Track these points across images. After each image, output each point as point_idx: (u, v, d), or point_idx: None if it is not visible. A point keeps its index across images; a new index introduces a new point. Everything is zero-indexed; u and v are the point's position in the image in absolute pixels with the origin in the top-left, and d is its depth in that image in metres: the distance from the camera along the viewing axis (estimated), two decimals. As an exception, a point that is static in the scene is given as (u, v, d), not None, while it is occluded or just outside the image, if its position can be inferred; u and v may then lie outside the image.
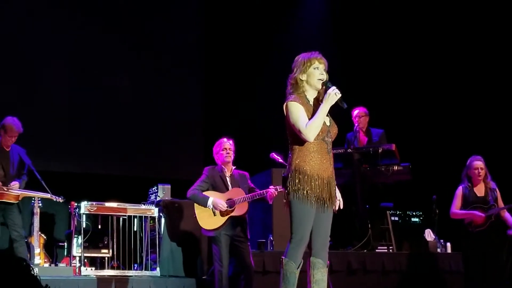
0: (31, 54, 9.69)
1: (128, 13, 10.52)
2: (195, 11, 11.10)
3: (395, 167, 8.24)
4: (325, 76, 4.69)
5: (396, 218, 8.88)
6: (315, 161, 4.61)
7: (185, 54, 10.87)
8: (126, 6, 10.52)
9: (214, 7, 11.00)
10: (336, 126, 4.76)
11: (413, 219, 9.09)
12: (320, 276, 4.66)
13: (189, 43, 10.95)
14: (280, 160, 6.54)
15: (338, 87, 4.58)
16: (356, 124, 8.67)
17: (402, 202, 9.07)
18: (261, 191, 6.59)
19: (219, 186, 6.70)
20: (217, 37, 10.94)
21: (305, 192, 4.55)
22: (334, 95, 4.56)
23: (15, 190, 7.36)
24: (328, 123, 4.70)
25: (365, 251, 8.03)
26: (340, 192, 4.76)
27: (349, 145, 8.59)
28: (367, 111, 8.74)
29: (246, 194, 6.65)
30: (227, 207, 6.54)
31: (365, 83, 10.76)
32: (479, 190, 7.50)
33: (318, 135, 4.60)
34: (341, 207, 4.75)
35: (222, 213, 6.56)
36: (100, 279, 6.98)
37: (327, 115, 4.66)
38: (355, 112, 8.71)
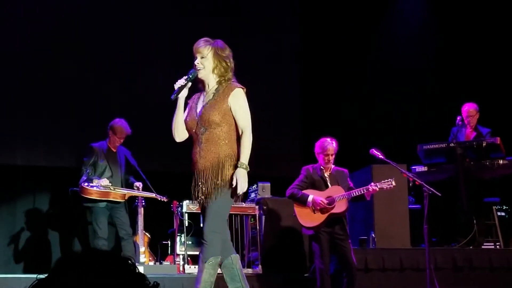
0: (128, 53, 9.89)
1: (224, 12, 10.62)
2: (290, 8, 11.06)
3: (501, 161, 7.94)
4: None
5: (503, 214, 8.60)
6: (192, 156, 4.66)
7: (281, 49, 10.83)
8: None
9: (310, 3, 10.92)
10: (211, 112, 4.52)
11: (520, 215, 8.77)
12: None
13: (286, 37, 10.90)
14: (381, 156, 6.45)
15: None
16: (458, 118, 8.38)
17: (509, 197, 8.76)
18: (361, 188, 6.50)
19: (318, 185, 6.66)
20: (313, 30, 10.83)
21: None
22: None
23: (135, 191, 7.58)
24: (198, 110, 4.59)
25: (471, 247, 7.81)
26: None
27: (454, 139, 8.29)
28: (478, 108, 8.38)
29: (345, 192, 6.58)
30: (327, 203, 6.49)
31: (467, 75, 10.43)
32: None
33: (190, 129, 4.62)
34: (239, 192, 4.56)
35: (322, 211, 6.52)
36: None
37: (205, 102, 4.59)
38: (465, 108, 8.38)
